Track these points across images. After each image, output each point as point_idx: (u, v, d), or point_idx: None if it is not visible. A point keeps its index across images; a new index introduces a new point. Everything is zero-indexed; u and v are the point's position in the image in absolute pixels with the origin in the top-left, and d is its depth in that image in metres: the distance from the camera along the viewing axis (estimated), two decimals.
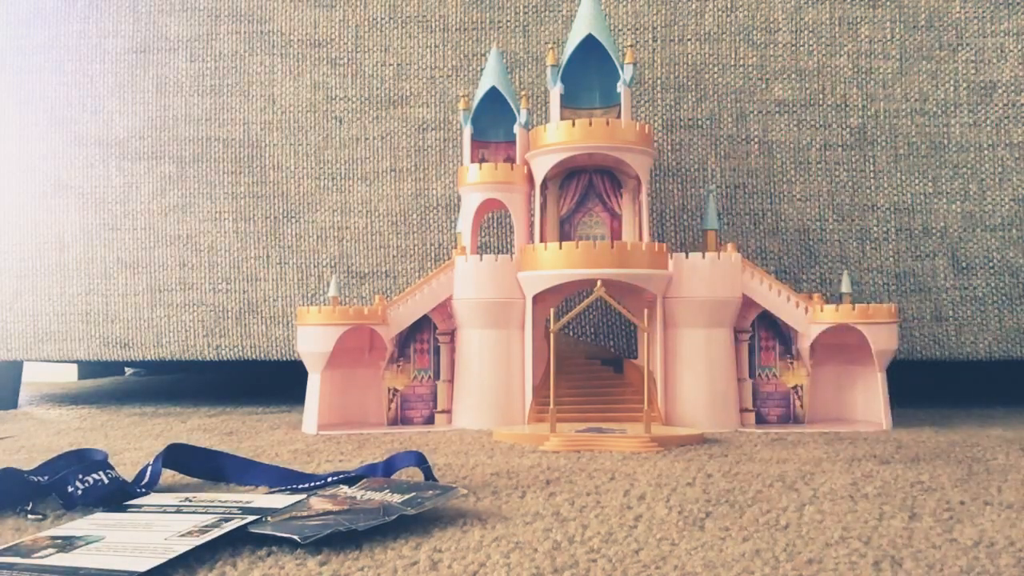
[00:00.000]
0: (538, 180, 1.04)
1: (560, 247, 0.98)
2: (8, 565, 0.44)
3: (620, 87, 1.03)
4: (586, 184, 1.08)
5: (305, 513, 0.54)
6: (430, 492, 0.58)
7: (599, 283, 0.93)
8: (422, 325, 1.06)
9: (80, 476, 0.58)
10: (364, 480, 0.64)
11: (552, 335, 0.90)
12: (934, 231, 1.17)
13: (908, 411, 1.12)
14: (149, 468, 0.66)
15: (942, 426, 1.01)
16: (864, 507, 0.58)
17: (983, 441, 0.88)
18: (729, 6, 1.20)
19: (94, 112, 1.29)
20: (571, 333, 1.18)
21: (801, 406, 1.04)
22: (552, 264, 0.99)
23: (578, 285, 1.01)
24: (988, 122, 1.16)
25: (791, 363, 1.05)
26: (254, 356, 1.24)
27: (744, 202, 1.19)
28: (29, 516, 0.56)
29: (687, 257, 1.00)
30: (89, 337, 1.27)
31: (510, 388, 1.02)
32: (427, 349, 1.07)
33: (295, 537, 0.48)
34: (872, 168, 1.18)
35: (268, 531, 0.50)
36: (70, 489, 0.57)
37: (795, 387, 1.05)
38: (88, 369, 2.06)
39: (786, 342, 1.05)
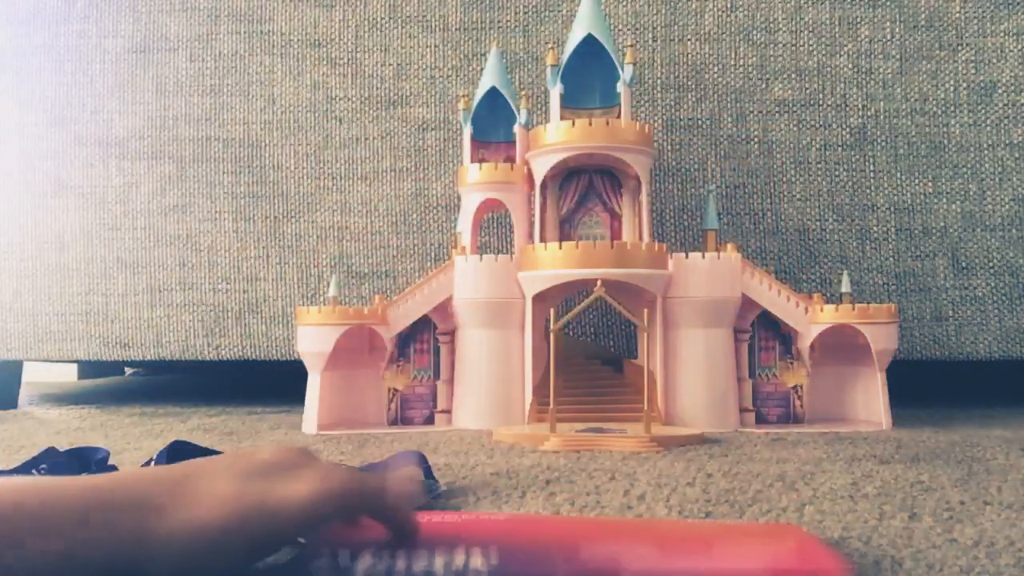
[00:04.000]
0: (538, 180, 1.04)
1: (560, 247, 0.98)
2: None
3: (620, 87, 1.03)
4: (586, 184, 1.08)
5: None
6: None
7: (599, 283, 0.93)
8: (422, 325, 1.06)
9: None
10: None
11: (552, 335, 0.90)
12: (934, 231, 1.17)
13: (908, 411, 1.12)
14: (152, 463, 0.67)
15: (942, 426, 1.01)
16: (864, 507, 0.58)
17: (983, 441, 0.88)
18: (729, 6, 1.20)
19: (94, 112, 1.29)
20: (571, 333, 1.18)
21: (801, 406, 1.04)
22: (552, 264, 0.99)
23: (578, 285, 1.01)
24: (988, 122, 1.16)
25: (791, 363, 1.05)
26: (254, 356, 1.24)
27: (744, 202, 1.19)
28: None
29: (687, 257, 1.00)
30: (89, 337, 1.27)
31: (510, 388, 1.02)
32: (427, 349, 1.07)
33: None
34: (872, 168, 1.18)
35: None
36: None
37: (795, 387, 1.05)
38: (88, 369, 2.06)
39: (786, 342, 1.05)
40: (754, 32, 1.20)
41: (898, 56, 1.18)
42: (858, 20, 1.18)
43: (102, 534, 0.34)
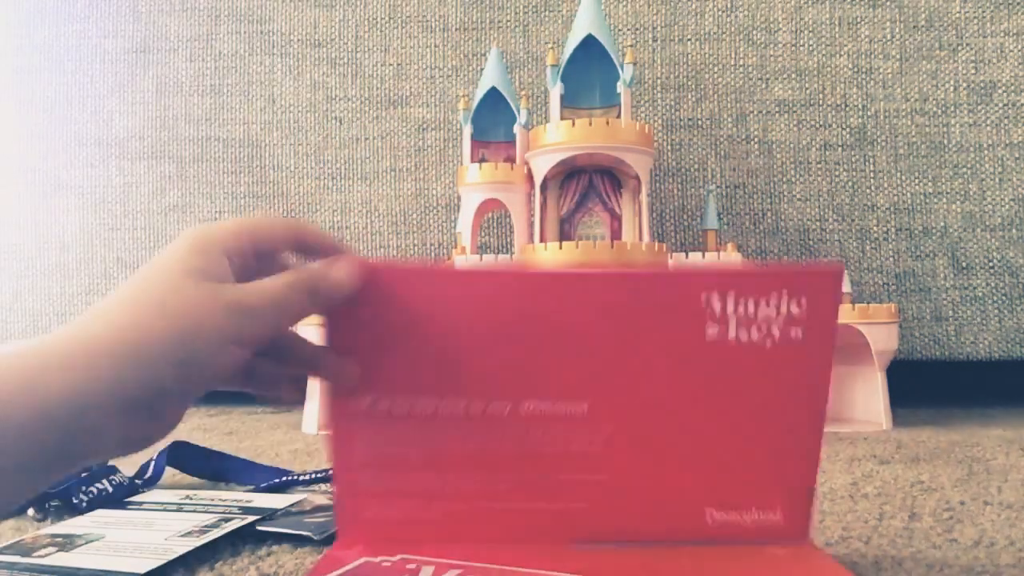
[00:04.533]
0: (538, 180, 1.04)
1: (560, 247, 0.98)
2: (9, 564, 0.44)
3: (620, 87, 1.03)
4: (586, 184, 1.08)
5: (307, 509, 0.55)
6: None
7: None
8: None
9: (83, 488, 0.58)
10: None
11: None
12: (934, 231, 1.17)
13: (908, 411, 1.12)
14: (152, 463, 0.67)
15: (942, 426, 1.01)
16: (864, 507, 0.58)
17: (983, 441, 0.88)
18: (729, 6, 1.20)
19: (94, 112, 1.29)
20: None
21: None
22: (552, 264, 0.99)
23: None
24: (988, 122, 1.16)
25: None
26: None
27: (744, 202, 1.19)
28: (31, 514, 0.56)
29: (687, 257, 1.00)
30: None
31: None
32: None
33: (310, 534, 0.49)
34: (872, 168, 1.18)
35: (280, 529, 0.50)
36: (75, 500, 0.57)
37: None
38: None
39: None
40: (754, 32, 1.20)
41: (898, 56, 1.18)
42: (858, 20, 1.19)
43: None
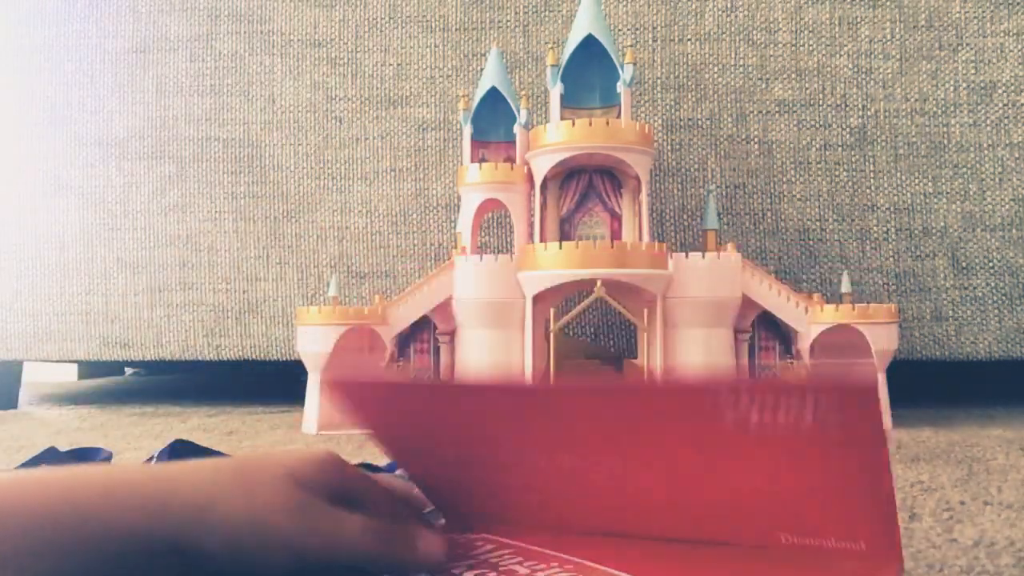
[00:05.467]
0: (538, 180, 1.04)
1: (560, 247, 0.98)
2: None
3: (620, 87, 1.02)
4: (586, 184, 1.08)
5: None
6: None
7: (599, 283, 0.92)
8: (422, 325, 1.06)
9: None
10: None
11: (552, 335, 0.90)
12: (934, 231, 1.17)
13: (908, 411, 1.12)
14: (154, 461, 0.67)
15: (942, 426, 1.01)
16: None
17: (983, 441, 0.88)
18: (729, 6, 1.20)
19: (94, 112, 1.29)
20: (571, 333, 1.19)
21: None
22: (552, 264, 0.99)
23: (578, 285, 1.01)
24: (988, 122, 1.16)
25: (791, 363, 1.05)
26: (254, 356, 1.24)
27: (744, 202, 1.19)
28: None
29: (687, 257, 1.00)
30: (89, 337, 1.27)
31: None
32: (427, 349, 1.07)
33: None
34: (872, 168, 1.18)
35: None
36: None
37: None
38: (88, 369, 2.06)
39: (786, 342, 1.05)
40: (754, 32, 1.20)
41: (898, 56, 1.18)
42: (858, 20, 1.18)
43: (163, 520, 0.35)
